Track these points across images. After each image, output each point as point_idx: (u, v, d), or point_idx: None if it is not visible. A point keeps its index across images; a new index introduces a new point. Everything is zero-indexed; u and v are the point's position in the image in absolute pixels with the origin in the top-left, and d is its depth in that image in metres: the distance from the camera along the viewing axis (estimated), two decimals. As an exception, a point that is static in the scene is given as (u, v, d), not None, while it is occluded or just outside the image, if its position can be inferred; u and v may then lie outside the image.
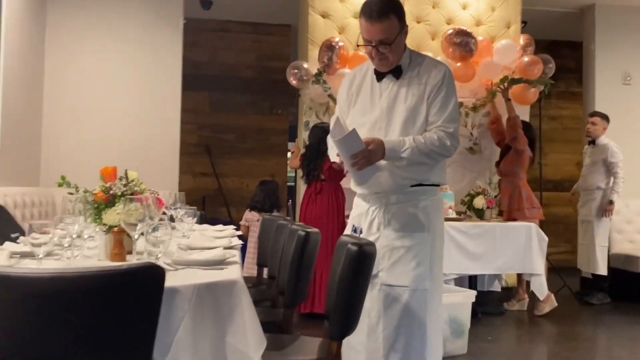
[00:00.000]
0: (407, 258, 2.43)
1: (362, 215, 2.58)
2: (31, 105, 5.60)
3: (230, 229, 3.53)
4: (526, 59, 6.05)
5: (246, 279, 3.94)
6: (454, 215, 5.09)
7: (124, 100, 6.09)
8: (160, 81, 6.19)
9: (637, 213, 6.74)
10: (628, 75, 7.12)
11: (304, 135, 6.21)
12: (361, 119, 2.55)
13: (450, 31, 5.93)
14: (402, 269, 2.44)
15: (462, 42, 5.84)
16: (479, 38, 6.10)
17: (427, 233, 2.50)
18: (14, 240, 3.75)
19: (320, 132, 5.09)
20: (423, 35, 6.31)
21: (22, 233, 4.13)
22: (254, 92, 8.27)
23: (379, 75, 2.55)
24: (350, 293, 2.03)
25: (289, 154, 9.02)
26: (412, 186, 2.51)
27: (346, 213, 4.92)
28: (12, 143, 5.02)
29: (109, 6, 6.11)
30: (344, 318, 2.03)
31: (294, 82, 5.90)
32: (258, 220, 5.55)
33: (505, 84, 5.84)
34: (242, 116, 8.23)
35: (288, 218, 3.73)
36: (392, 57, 2.47)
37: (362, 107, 2.57)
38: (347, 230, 2.67)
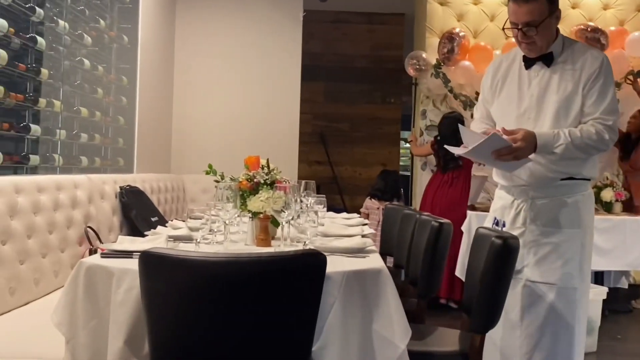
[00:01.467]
0: (556, 255, 2.33)
1: (506, 209, 2.49)
2: (163, 98, 5.92)
3: (356, 217, 3.58)
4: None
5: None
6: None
7: (248, 92, 6.30)
8: (282, 73, 6.34)
9: None
10: None
11: (420, 124, 6.16)
12: (508, 108, 2.44)
13: (581, 27, 5.64)
14: (549, 266, 2.35)
15: (593, 38, 5.55)
16: (611, 28, 5.76)
17: (577, 229, 2.38)
18: (154, 223, 4.01)
19: (453, 122, 5.00)
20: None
21: (161, 216, 4.41)
22: (367, 81, 8.28)
23: (528, 62, 2.43)
24: (494, 287, 2.00)
25: (404, 144, 8.97)
26: (562, 180, 2.39)
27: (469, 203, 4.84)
28: (147, 133, 5.34)
29: (233, 3, 6.33)
30: (487, 312, 2.01)
31: (412, 72, 5.86)
32: (378, 208, 5.59)
33: (632, 77, 5.52)
34: (355, 106, 8.27)
35: (412, 208, 3.72)
36: (540, 42, 2.34)
37: (508, 95, 2.46)
38: (487, 223, 2.60)
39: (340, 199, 7.88)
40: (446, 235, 2.64)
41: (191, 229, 2.13)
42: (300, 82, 6.59)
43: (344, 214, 3.83)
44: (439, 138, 5.18)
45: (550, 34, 2.37)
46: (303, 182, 2.77)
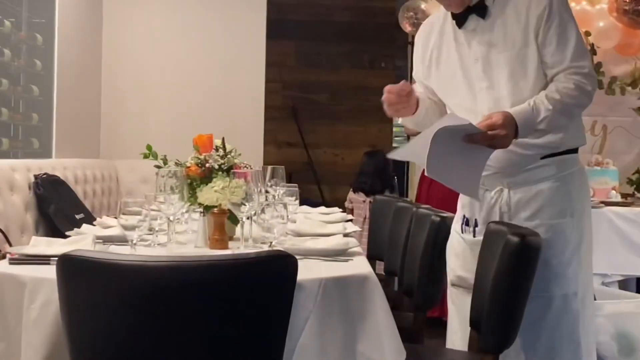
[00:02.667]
0: (547, 255, 2.32)
1: (477, 203, 2.45)
2: (89, 62, 5.87)
3: (338, 211, 3.60)
4: None
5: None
6: (618, 199, 4.94)
7: (197, 54, 6.27)
8: (241, 29, 6.32)
9: None
10: None
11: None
12: (453, 82, 2.44)
13: None
14: (540, 269, 2.34)
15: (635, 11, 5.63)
16: None
17: (569, 218, 2.36)
18: (79, 222, 3.99)
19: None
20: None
21: (88, 213, 4.38)
22: (352, 40, 8.27)
23: (459, 19, 2.39)
24: (511, 297, 2.04)
25: (398, 119, 8.99)
26: (543, 158, 2.36)
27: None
28: (69, 107, 5.29)
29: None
30: (502, 327, 2.05)
31: (408, 28, 5.90)
32: (364, 201, 5.62)
33: None
34: (337, 71, 8.27)
35: (408, 199, 3.75)
36: None
37: (449, 66, 2.45)
38: (456, 223, 2.58)
39: (317, 189, 7.88)
40: (449, 233, 2.67)
41: (125, 228, 2.13)
42: (266, 41, 6.56)
43: (322, 208, 3.85)
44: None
45: None
46: (269, 168, 2.77)
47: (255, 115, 6.33)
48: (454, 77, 2.45)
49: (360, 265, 2.07)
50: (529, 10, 2.31)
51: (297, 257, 2.11)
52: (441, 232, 2.65)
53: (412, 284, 2.79)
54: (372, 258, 3.91)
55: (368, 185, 5.74)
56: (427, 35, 2.55)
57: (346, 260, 2.14)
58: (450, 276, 2.57)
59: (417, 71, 2.63)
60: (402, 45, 7.55)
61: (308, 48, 8.26)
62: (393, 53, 8.26)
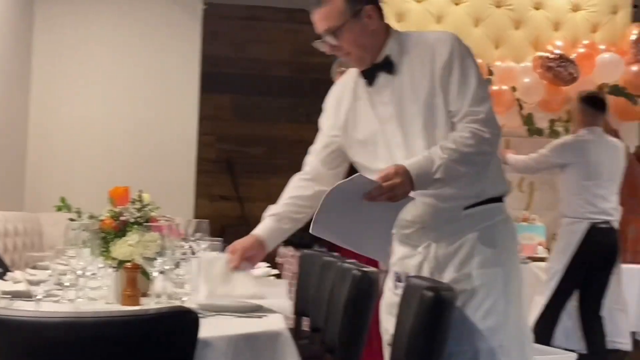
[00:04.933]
0: (472, 306, 2.31)
1: (407, 258, 2.45)
2: (14, 113, 5.78)
3: (263, 266, 3.56)
4: (634, 68, 5.98)
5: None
6: (544, 254, 5.04)
7: (128, 105, 6.23)
8: (173, 81, 6.32)
9: None
10: None
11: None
12: (370, 146, 2.44)
13: (546, 55, 5.94)
14: (463, 322, 2.27)
15: (559, 67, 5.86)
16: (580, 50, 6.06)
17: (496, 268, 2.34)
18: (-2, 277, 3.86)
19: None
20: (505, 22, 6.28)
21: (6, 268, 4.25)
22: (289, 95, 8.35)
23: (368, 77, 2.42)
24: (425, 354, 2.03)
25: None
26: (466, 209, 2.36)
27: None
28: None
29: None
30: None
31: (341, 82, 5.96)
32: (293, 256, 5.57)
33: None
34: (273, 125, 8.31)
35: (336, 254, 3.75)
36: (354, 49, 2.36)
37: (366, 127, 2.46)
38: (389, 281, 2.53)
39: (252, 244, 7.85)
40: (372, 288, 2.67)
41: (31, 283, 2.07)
42: (200, 93, 6.58)
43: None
44: None
45: (364, 38, 2.38)
46: (194, 221, 2.74)
47: (187, 168, 6.29)
48: (372, 138, 2.44)
49: (274, 322, 2.05)
50: (433, 60, 2.34)
51: (210, 313, 2.11)
52: (363, 286, 2.65)
53: (334, 341, 2.77)
54: (300, 314, 3.88)
55: (297, 239, 5.70)
56: (338, 102, 2.53)
57: (260, 317, 2.12)
58: (385, 336, 2.53)
59: (328, 128, 2.58)
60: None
61: (244, 101, 8.30)
62: (329, 108, 8.35)
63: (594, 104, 5.01)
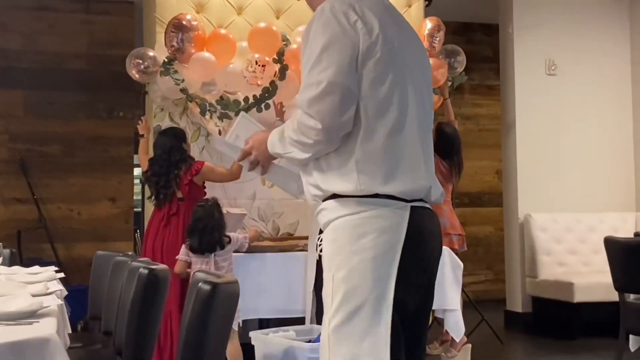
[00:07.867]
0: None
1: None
2: None
3: (49, 270, 3.43)
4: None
5: (77, 337, 3.84)
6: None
7: None
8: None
9: (568, 229, 7.18)
10: (552, 63, 7.56)
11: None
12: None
13: None
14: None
15: None
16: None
17: (327, 273, 2.22)
18: None
19: (170, 139, 5.08)
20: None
21: None
22: (86, 89, 8.07)
23: None
24: (200, 341, 2.04)
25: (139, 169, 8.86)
26: (325, 200, 2.26)
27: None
28: None
29: None
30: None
31: (136, 75, 5.83)
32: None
33: None
34: (71, 122, 8.00)
35: (130, 253, 3.68)
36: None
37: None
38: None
39: (50, 248, 7.52)
40: (161, 285, 2.65)
41: None
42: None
43: (35, 268, 3.65)
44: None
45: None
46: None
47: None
48: None
49: (44, 328, 1.98)
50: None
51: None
52: (150, 284, 2.62)
53: (122, 343, 2.71)
54: (94, 318, 3.77)
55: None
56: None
57: (31, 323, 2.04)
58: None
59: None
60: (139, 94, 7.48)
61: (38, 97, 7.92)
62: (131, 102, 8.16)
63: None
